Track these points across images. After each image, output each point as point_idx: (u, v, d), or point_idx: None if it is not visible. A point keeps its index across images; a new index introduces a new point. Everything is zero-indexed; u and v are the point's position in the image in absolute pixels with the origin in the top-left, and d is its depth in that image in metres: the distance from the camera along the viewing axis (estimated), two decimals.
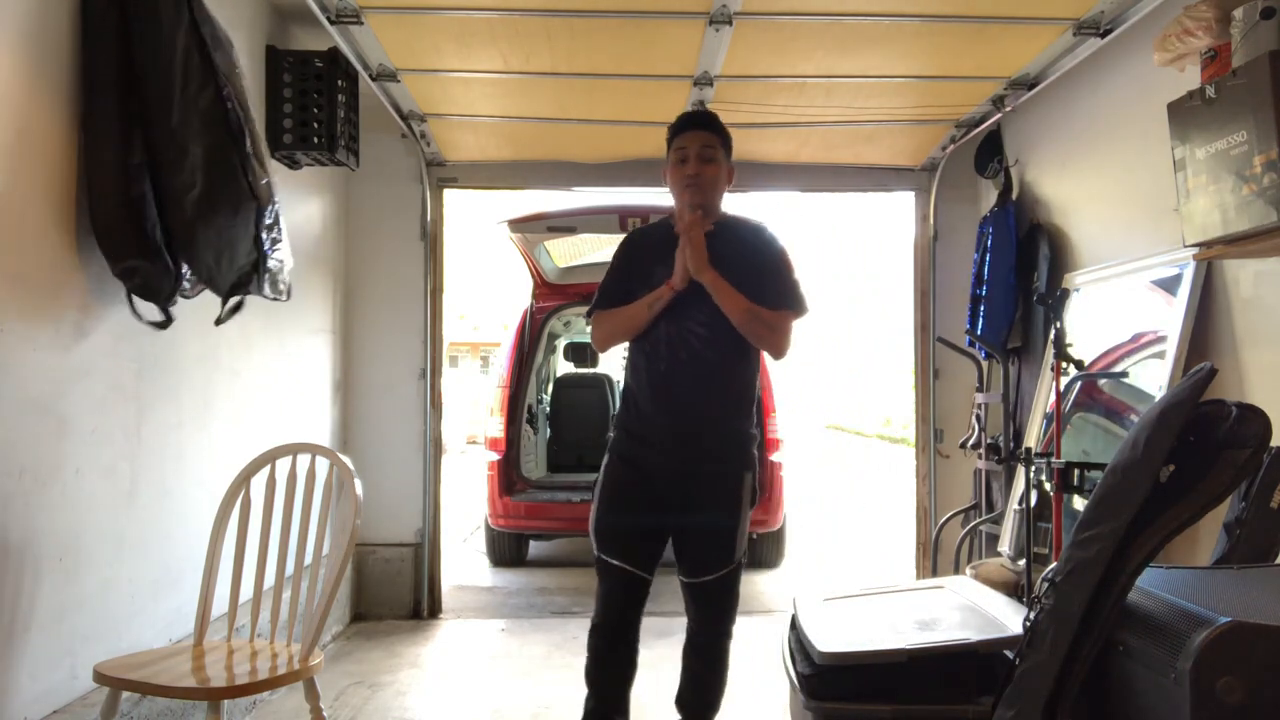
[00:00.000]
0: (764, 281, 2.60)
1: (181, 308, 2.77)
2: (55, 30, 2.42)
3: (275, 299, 2.95)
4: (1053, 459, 3.14)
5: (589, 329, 2.81)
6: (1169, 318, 3.19)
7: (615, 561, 2.61)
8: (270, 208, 2.84)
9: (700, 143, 2.64)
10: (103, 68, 2.48)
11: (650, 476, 2.62)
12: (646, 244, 2.76)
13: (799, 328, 2.66)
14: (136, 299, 2.63)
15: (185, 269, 2.64)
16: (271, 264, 2.84)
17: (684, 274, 2.53)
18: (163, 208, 2.52)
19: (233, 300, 2.83)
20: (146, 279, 2.55)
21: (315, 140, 3.73)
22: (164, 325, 2.68)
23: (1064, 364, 3.28)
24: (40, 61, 2.36)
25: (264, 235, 2.79)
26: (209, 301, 2.81)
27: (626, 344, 2.77)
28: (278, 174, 3.84)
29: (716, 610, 2.69)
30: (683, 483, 2.61)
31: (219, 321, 2.84)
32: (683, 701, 2.76)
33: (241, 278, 2.73)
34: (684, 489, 2.61)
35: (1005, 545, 4.05)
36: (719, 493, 2.63)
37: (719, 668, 2.73)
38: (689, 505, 2.60)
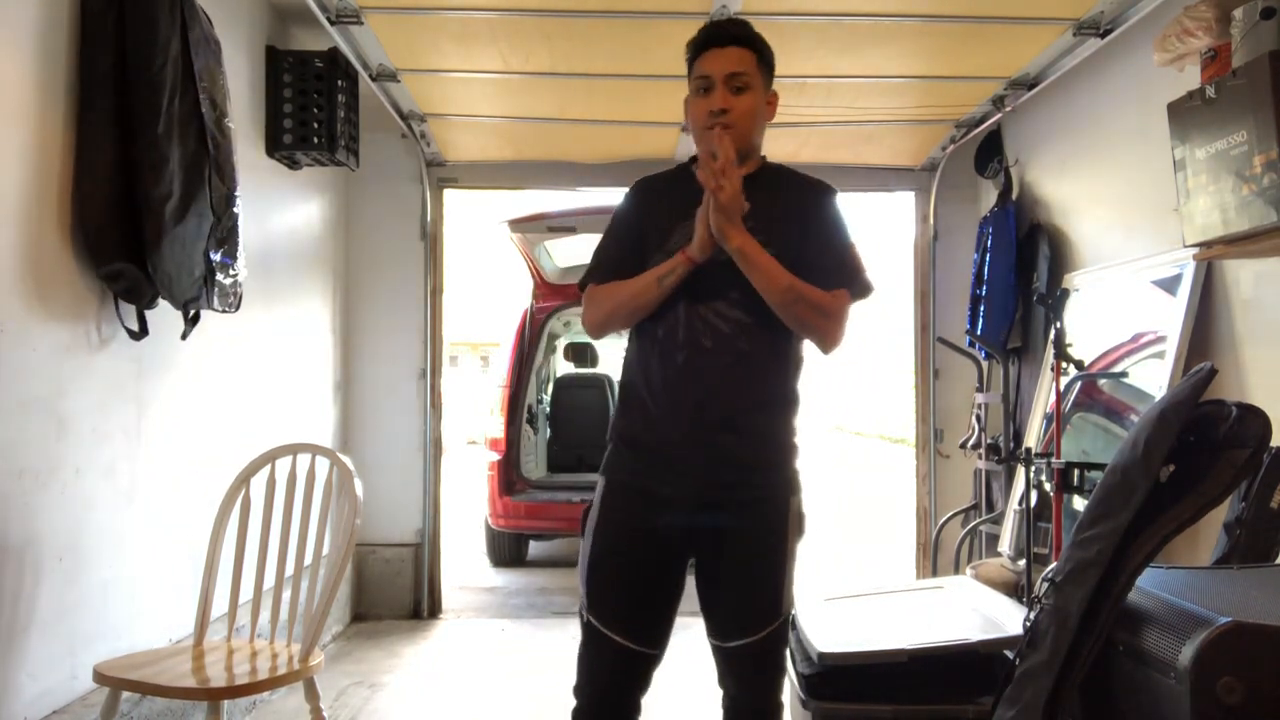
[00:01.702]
0: (816, 251, 1.97)
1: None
2: (55, 29, 2.42)
3: (224, 311, 2.95)
4: (1053, 459, 3.14)
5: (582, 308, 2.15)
6: (1169, 318, 3.19)
7: (615, 636, 1.97)
8: (227, 220, 2.85)
9: (729, 65, 1.94)
10: (100, 70, 2.48)
11: (665, 507, 1.95)
12: (662, 196, 2.07)
13: (855, 313, 2.04)
14: (122, 304, 2.63)
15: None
16: (220, 277, 2.84)
17: (707, 242, 1.89)
18: (140, 215, 2.53)
19: (191, 314, 2.83)
20: (133, 284, 2.55)
21: (315, 140, 3.73)
22: (139, 335, 2.68)
23: (1064, 364, 3.28)
24: (41, 60, 2.36)
25: (214, 250, 2.79)
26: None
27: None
28: (278, 174, 3.86)
29: (761, 681, 2.01)
30: (712, 514, 1.96)
31: (184, 336, 2.85)
32: None
33: (196, 291, 2.74)
34: (713, 522, 1.96)
35: (1005, 545, 4.05)
36: (759, 526, 1.98)
37: None
38: (720, 545, 1.97)
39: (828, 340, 1.98)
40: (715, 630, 2.01)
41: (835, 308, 1.96)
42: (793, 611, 2.06)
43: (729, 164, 1.85)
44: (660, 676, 2.04)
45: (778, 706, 2.03)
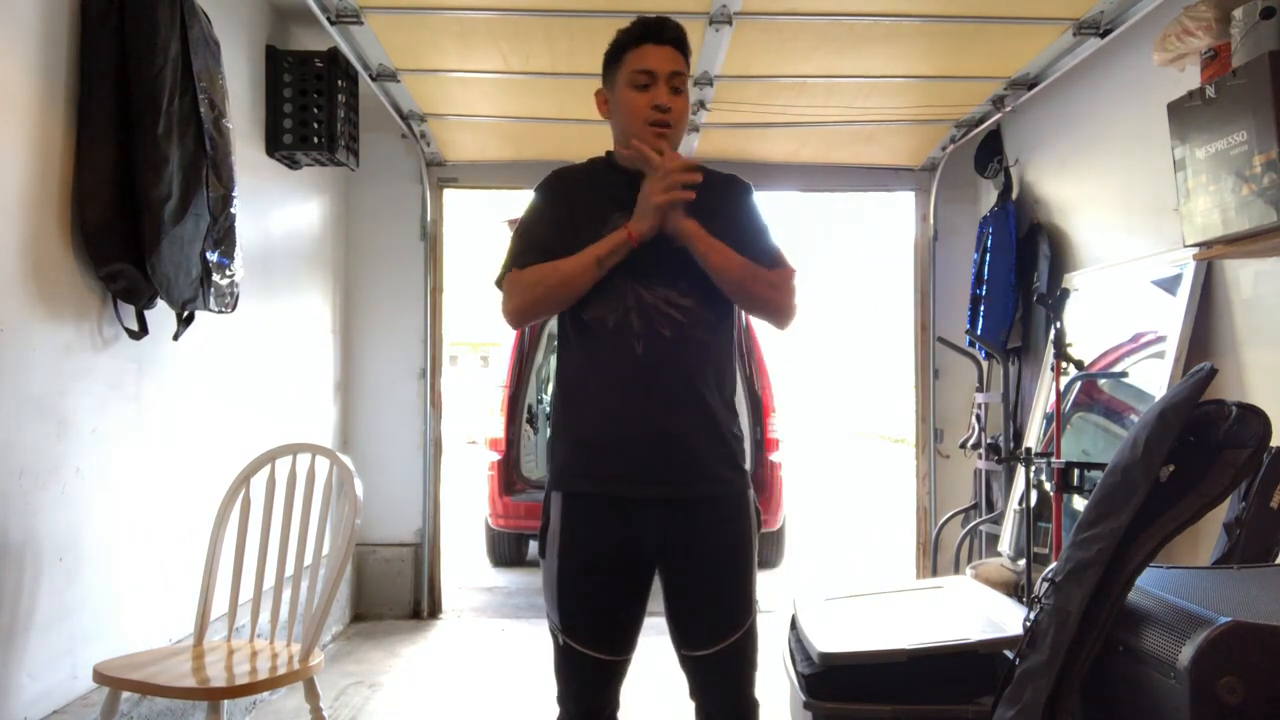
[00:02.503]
0: (751, 238, 1.96)
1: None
2: (56, 30, 2.42)
3: (220, 311, 2.95)
4: (1053, 459, 3.14)
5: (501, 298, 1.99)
6: (1169, 318, 3.19)
7: (592, 653, 1.95)
8: (223, 220, 2.85)
9: (671, 64, 1.92)
10: (101, 70, 2.49)
11: (634, 513, 1.89)
12: (584, 188, 2.00)
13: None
14: (121, 304, 2.64)
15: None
16: (217, 277, 2.84)
17: (652, 220, 1.84)
18: (139, 215, 2.53)
19: (185, 315, 2.84)
20: (131, 284, 2.56)
21: (315, 140, 3.73)
22: (139, 335, 2.69)
23: (1064, 364, 3.28)
24: (42, 62, 2.36)
25: (210, 250, 2.79)
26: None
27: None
28: (278, 174, 3.86)
29: (741, 681, 1.97)
30: (685, 514, 1.90)
31: (176, 337, 2.85)
32: None
33: (193, 292, 2.75)
34: (686, 523, 1.90)
35: (1005, 545, 4.05)
36: (732, 524, 1.94)
37: None
38: (693, 547, 1.91)
39: (784, 313, 1.97)
40: (689, 640, 1.95)
41: (786, 280, 1.95)
42: (762, 611, 2.01)
43: (670, 169, 1.85)
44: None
45: (756, 704, 2.00)
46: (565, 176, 2.06)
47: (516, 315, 1.97)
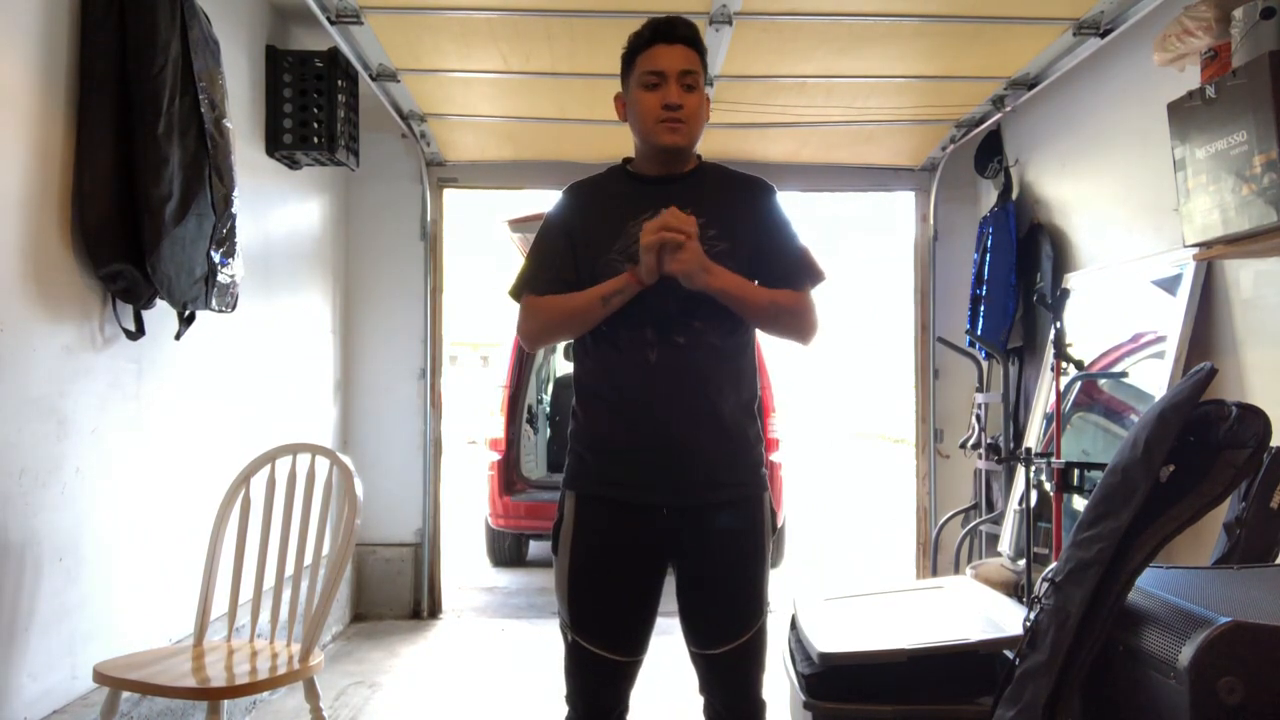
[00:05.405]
0: (780, 254, 1.98)
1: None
2: (57, 31, 2.42)
3: (221, 311, 2.95)
4: (1053, 459, 3.14)
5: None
6: (1169, 318, 3.19)
7: (603, 653, 1.94)
8: (226, 220, 2.85)
9: (681, 63, 1.93)
10: (101, 69, 2.49)
11: (648, 515, 1.91)
12: (599, 200, 2.04)
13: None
14: (120, 304, 2.64)
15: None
16: (221, 277, 2.85)
17: (654, 268, 1.84)
18: (140, 215, 2.53)
19: (186, 314, 2.83)
20: (131, 284, 2.56)
21: (315, 140, 3.73)
22: (135, 336, 2.69)
23: (1064, 364, 3.28)
24: (42, 62, 2.36)
25: (215, 250, 2.79)
26: None
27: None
28: (278, 174, 3.86)
29: (748, 681, 2.00)
30: (699, 518, 1.92)
31: (178, 337, 2.85)
32: None
33: (196, 292, 2.75)
34: (700, 526, 1.92)
35: (1005, 545, 4.05)
36: (745, 526, 1.96)
37: None
38: (707, 549, 1.94)
39: (808, 335, 2.01)
40: (700, 639, 1.98)
41: (809, 305, 1.99)
42: (770, 611, 2.03)
43: (690, 225, 1.83)
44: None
45: (763, 704, 2.03)
46: (581, 188, 2.09)
47: (531, 340, 2.05)
